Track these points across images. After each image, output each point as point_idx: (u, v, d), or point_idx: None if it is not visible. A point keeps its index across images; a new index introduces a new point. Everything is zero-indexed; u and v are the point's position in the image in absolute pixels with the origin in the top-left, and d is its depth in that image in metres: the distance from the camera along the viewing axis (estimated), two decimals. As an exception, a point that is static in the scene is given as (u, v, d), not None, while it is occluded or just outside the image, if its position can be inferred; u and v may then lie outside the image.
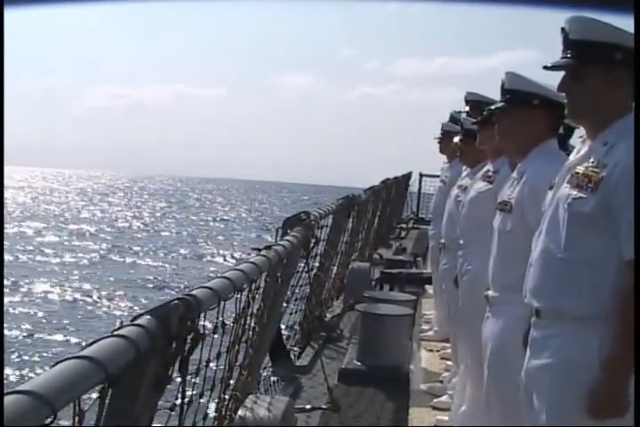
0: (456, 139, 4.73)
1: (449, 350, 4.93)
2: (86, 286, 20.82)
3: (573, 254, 2.11)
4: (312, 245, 4.53)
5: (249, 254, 3.54)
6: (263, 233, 34.89)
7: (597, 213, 2.06)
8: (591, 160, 2.13)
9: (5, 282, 19.21)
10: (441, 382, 4.82)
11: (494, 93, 3.08)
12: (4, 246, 25.41)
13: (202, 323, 2.11)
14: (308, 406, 4.38)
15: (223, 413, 3.11)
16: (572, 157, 2.26)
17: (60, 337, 15.02)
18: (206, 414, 2.76)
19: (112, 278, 22.41)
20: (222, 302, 2.39)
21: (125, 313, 16.26)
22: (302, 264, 4.80)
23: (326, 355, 5.56)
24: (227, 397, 3.14)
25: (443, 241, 4.81)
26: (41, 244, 30.17)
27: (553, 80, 2.39)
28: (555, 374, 2.13)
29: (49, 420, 1.22)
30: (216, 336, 2.52)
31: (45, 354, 13.46)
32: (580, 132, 2.34)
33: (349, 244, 8.06)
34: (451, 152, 5.67)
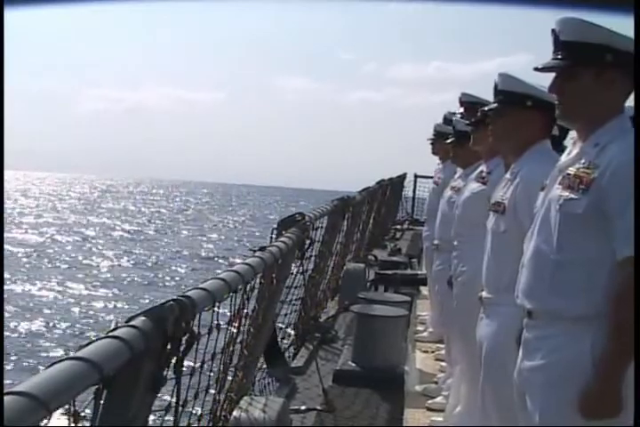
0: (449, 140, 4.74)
1: (443, 351, 4.94)
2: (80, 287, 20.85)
3: (566, 255, 2.12)
4: (307, 246, 4.52)
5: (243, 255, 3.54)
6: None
7: (589, 213, 2.06)
8: (582, 161, 2.13)
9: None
10: (436, 383, 4.82)
11: (490, 96, 3.09)
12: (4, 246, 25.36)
13: (197, 324, 2.11)
14: (302, 408, 4.37)
15: (218, 414, 3.11)
16: (564, 158, 2.27)
17: (55, 338, 14.99)
18: (201, 415, 2.75)
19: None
20: (217, 303, 2.39)
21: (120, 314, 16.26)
22: (297, 265, 4.80)
23: (321, 356, 5.56)
24: (221, 398, 3.13)
25: (436, 242, 4.81)
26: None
27: (546, 82, 2.40)
28: (547, 375, 2.14)
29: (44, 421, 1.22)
30: (211, 338, 2.52)
31: (40, 355, 13.44)
32: (573, 133, 2.35)
33: (344, 245, 8.06)
34: (444, 153, 5.68)
